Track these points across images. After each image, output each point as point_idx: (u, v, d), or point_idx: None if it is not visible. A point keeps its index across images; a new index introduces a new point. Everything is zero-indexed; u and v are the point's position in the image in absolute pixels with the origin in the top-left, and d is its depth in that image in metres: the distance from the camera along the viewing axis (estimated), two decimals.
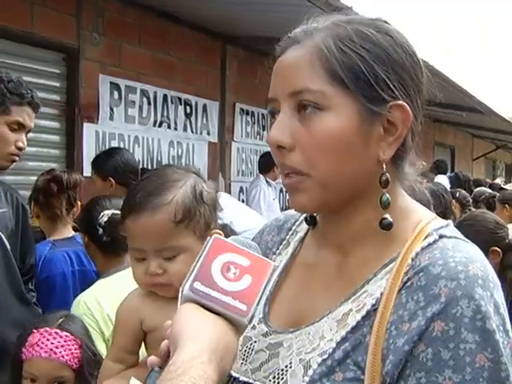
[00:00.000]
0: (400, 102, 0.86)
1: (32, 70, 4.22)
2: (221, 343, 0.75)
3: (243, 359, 0.92)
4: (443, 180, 7.30)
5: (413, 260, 0.84)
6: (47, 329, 1.78)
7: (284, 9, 4.47)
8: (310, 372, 0.83)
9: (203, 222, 1.18)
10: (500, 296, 0.81)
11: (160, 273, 1.15)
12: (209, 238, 0.84)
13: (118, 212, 2.09)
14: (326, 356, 0.84)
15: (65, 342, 1.77)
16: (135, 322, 1.21)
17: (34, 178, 3.17)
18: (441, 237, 0.86)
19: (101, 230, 2.25)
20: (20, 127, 2.21)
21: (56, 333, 1.78)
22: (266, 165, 5.77)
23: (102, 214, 2.25)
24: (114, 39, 4.79)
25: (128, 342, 1.23)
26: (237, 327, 0.80)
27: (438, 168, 8.46)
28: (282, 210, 5.79)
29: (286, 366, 0.87)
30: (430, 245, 0.85)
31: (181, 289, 0.80)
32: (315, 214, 1.01)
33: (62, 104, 4.48)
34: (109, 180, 3.24)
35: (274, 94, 0.90)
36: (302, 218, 1.04)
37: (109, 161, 3.33)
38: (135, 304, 1.23)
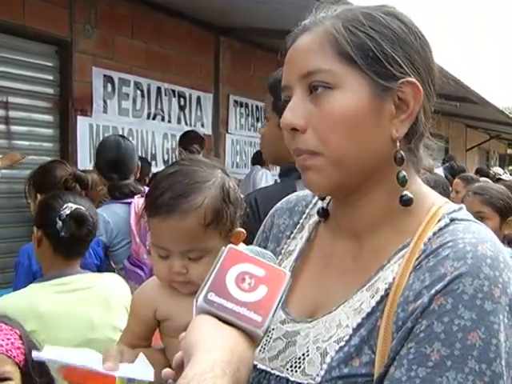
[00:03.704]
0: (411, 78, 0.86)
1: (24, 62, 4.20)
2: (235, 355, 0.74)
3: (261, 347, 0.93)
4: (438, 171, 7.32)
5: (425, 245, 0.84)
6: None
7: (278, 0, 4.45)
8: (328, 359, 0.84)
9: (229, 222, 1.17)
10: (511, 276, 0.80)
11: (184, 272, 1.15)
12: (223, 247, 0.83)
13: (83, 208, 2.03)
14: (343, 343, 0.84)
15: (1, 331, 1.50)
16: (148, 311, 1.22)
17: (28, 172, 3.16)
18: (452, 220, 0.87)
19: (60, 224, 2.01)
20: None
21: None
22: (261, 159, 5.74)
23: (65, 205, 2.03)
24: (106, 31, 4.76)
25: (141, 330, 1.25)
26: (252, 338, 0.78)
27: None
28: None
29: (303, 354, 0.88)
30: (441, 229, 0.85)
31: (195, 300, 0.79)
32: (326, 206, 1.01)
33: (55, 97, 4.46)
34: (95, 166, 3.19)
35: (286, 81, 0.91)
36: (315, 199, 1.04)
37: (97, 149, 3.28)
38: (150, 294, 1.24)
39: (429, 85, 0.89)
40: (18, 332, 1.53)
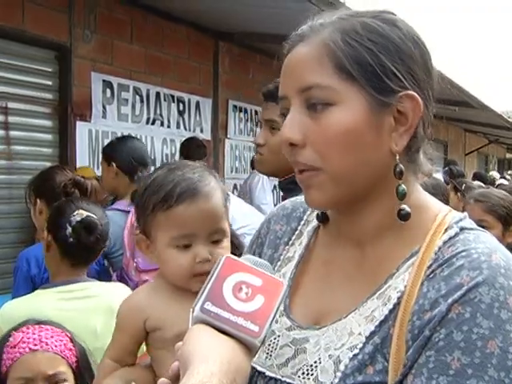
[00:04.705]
0: (410, 91, 0.86)
1: (23, 68, 4.20)
2: (232, 365, 0.74)
3: (267, 353, 0.92)
4: (437, 175, 7.33)
5: (436, 254, 0.85)
6: (28, 325, 1.57)
7: (277, 5, 4.46)
8: (342, 367, 0.84)
9: (228, 207, 1.25)
10: None
11: (210, 259, 1.17)
12: (220, 257, 0.83)
13: (94, 216, 2.04)
14: (356, 351, 0.84)
15: (53, 332, 1.56)
16: (138, 322, 1.20)
17: (27, 177, 3.16)
18: (461, 229, 0.87)
19: (69, 230, 2.02)
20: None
21: (40, 327, 1.56)
22: None
23: (76, 212, 2.05)
24: (105, 36, 4.77)
25: (128, 342, 1.22)
26: (249, 348, 0.78)
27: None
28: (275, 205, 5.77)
29: (315, 362, 0.87)
30: (451, 238, 0.86)
31: (191, 309, 0.79)
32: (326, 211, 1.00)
33: (54, 102, 4.45)
34: (111, 165, 3.13)
35: (283, 92, 0.90)
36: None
37: (116, 145, 3.24)
38: (140, 302, 1.22)
39: (428, 93, 0.89)
40: (68, 334, 1.57)
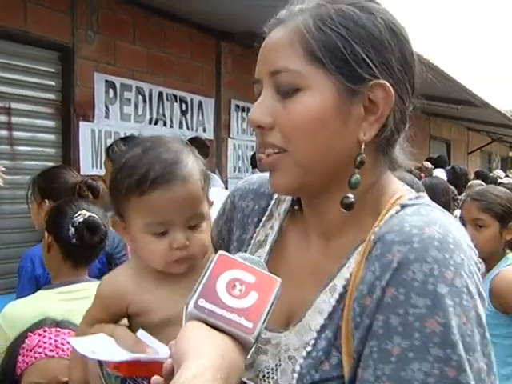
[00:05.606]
0: (381, 81, 0.84)
1: (27, 68, 4.21)
2: (225, 361, 0.73)
3: None
4: (441, 174, 7.32)
5: (375, 234, 0.82)
6: (46, 328, 1.56)
7: (278, 4, 4.46)
8: (297, 367, 0.83)
9: (207, 187, 1.18)
10: (465, 257, 0.77)
11: (187, 244, 1.12)
12: (213, 254, 0.83)
13: (96, 216, 2.03)
14: (309, 348, 0.83)
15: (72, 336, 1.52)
16: (120, 305, 1.15)
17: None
18: (403, 206, 0.84)
19: (72, 230, 2.01)
20: None
21: (57, 330, 1.56)
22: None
23: (78, 213, 2.03)
24: (108, 37, 4.78)
25: (106, 319, 1.17)
26: (243, 345, 0.77)
27: (437, 162, 8.47)
28: None
29: (276, 365, 0.86)
30: (392, 216, 0.83)
31: (185, 306, 0.79)
32: None
33: (57, 103, 4.47)
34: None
35: (257, 75, 0.91)
36: None
37: (121, 144, 3.21)
38: (122, 287, 1.16)
39: (403, 85, 0.86)
40: None
